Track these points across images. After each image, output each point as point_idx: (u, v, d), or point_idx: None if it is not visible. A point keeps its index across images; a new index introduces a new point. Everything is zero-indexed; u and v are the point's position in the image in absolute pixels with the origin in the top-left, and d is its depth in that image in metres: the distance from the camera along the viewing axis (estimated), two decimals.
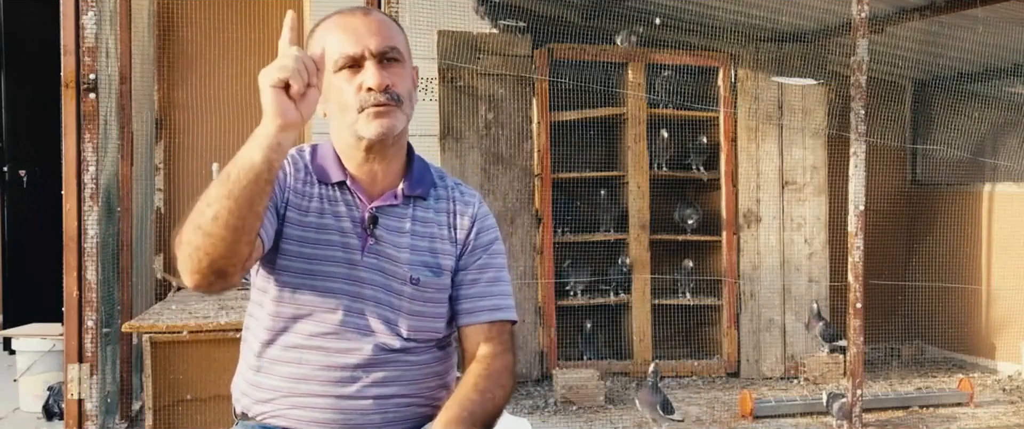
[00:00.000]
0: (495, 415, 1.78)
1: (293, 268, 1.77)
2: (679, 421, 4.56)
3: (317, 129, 5.46)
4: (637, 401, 4.54)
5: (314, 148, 1.87)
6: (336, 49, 1.75)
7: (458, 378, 1.90)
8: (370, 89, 1.74)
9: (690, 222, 5.92)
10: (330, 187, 1.82)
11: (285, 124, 1.54)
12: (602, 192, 5.79)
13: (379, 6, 4.11)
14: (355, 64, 1.75)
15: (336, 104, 1.78)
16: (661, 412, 4.44)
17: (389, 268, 1.79)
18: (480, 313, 1.85)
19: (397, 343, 1.79)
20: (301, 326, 1.77)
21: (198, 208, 1.57)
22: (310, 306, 1.77)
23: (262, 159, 1.55)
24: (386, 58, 1.76)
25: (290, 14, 1.60)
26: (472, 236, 1.88)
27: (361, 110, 1.75)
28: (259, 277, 1.81)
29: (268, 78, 1.54)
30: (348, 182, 1.81)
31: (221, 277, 1.61)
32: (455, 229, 1.87)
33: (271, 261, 1.78)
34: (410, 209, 1.84)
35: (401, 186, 1.84)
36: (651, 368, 4.57)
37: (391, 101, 1.75)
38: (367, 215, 1.80)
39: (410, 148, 1.89)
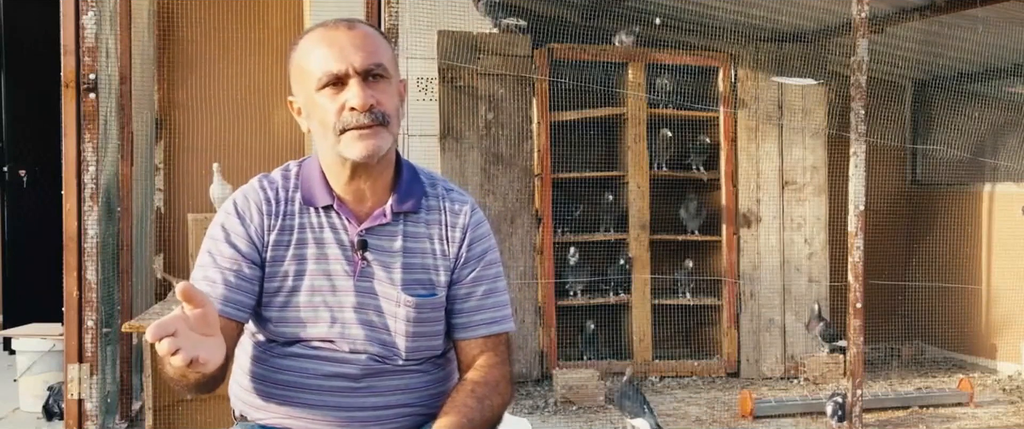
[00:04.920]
0: (493, 423, 1.77)
1: (283, 314, 1.76)
2: None
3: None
4: (623, 410, 4.34)
5: (300, 165, 1.82)
6: (319, 66, 1.68)
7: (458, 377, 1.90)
8: (353, 109, 1.67)
9: (695, 216, 5.87)
10: (316, 212, 1.76)
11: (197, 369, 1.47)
12: (608, 197, 5.79)
13: (379, 7, 4.10)
14: (339, 82, 1.68)
15: (319, 123, 1.71)
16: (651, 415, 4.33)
17: (383, 290, 1.76)
18: (476, 327, 1.82)
19: (397, 362, 1.78)
20: (298, 344, 1.76)
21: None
22: (306, 332, 1.76)
23: (194, 384, 1.63)
24: (371, 75, 1.69)
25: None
26: (464, 249, 1.81)
27: (344, 131, 1.68)
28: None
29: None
30: (335, 205, 1.76)
31: (214, 383, 1.66)
32: (447, 242, 1.81)
33: (258, 309, 1.77)
34: (400, 225, 1.78)
35: (390, 202, 1.78)
36: (628, 375, 4.36)
37: (375, 121, 1.68)
38: (356, 240, 1.75)
39: (399, 157, 1.82)
